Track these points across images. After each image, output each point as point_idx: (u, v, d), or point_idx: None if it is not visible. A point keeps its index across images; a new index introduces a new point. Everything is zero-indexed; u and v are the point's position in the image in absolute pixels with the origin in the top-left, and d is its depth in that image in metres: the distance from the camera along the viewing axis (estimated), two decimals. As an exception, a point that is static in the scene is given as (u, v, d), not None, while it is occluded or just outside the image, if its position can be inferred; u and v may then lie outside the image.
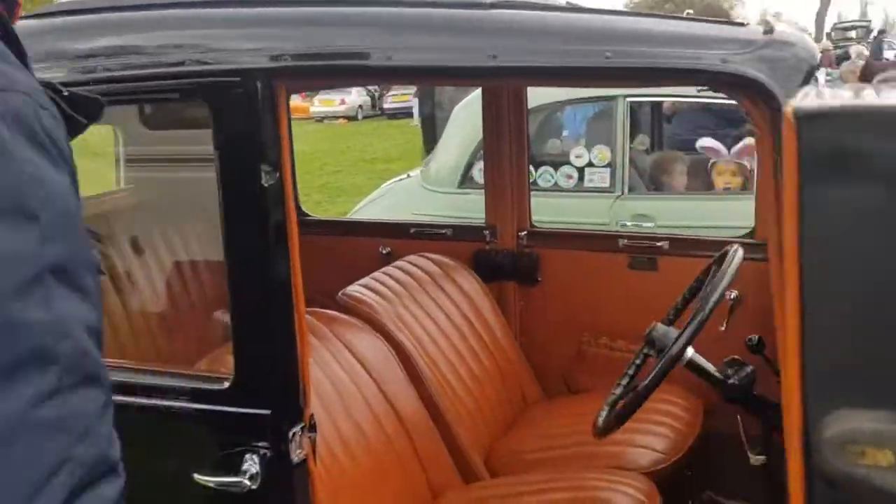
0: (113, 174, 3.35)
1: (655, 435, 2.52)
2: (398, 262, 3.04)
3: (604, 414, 2.15)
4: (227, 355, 2.21)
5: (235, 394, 1.71)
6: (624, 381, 2.22)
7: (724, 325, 2.79)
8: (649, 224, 4.35)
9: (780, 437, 2.08)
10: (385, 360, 2.49)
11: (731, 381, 1.92)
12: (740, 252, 1.96)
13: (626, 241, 3.00)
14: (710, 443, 2.63)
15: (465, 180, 4.91)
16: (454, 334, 2.90)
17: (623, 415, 1.91)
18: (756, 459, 2.11)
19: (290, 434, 1.70)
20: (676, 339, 1.82)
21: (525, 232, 3.16)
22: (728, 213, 4.00)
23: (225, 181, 1.63)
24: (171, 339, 3.02)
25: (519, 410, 3.01)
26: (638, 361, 2.24)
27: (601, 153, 4.59)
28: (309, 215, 3.63)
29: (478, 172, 4.87)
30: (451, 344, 2.87)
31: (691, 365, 1.94)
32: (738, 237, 2.92)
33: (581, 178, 4.65)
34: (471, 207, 4.66)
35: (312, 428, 1.76)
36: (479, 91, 4.08)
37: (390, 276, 2.93)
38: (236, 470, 1.69)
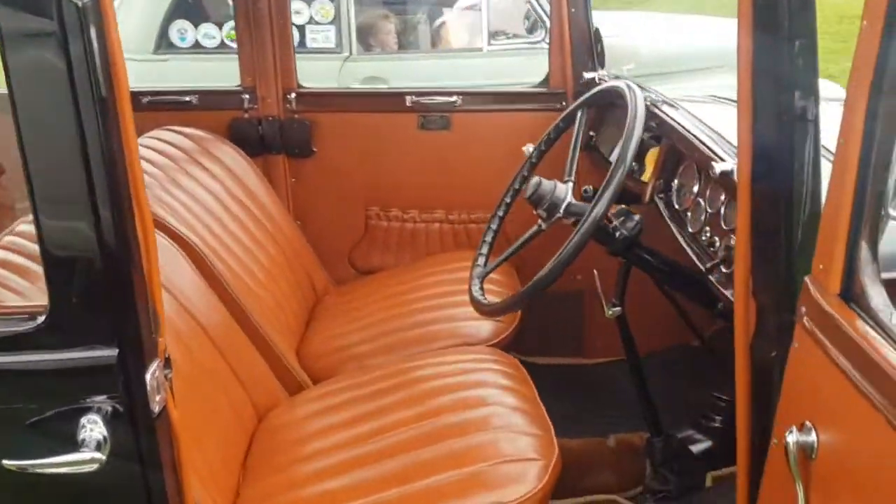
0: None
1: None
2: (140, 139, 2.40)
3: (476, 288, 1.90)
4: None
5: (57, 333, 1.13)
6: (485, 251, 1.98)
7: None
8: (383, 86, 4.07)
9: (663, 288, 2.04)
10: (174, 262, 1.94)
11: (618, 233, 1.76)
12: (639, 91, 1.77)
13: (414, 98, 2.68)
14: (554, 303, 2.51)
15: (162, 44, 4.13)
16: (231, 221, 2.39)
17: (530, 291, 1.66)
18: (613, 312, 2.03)
19: (148, 376, 1.19)
20: (600, 195, 1.59)
21: (293, 94, 2.68)
22: (473, 71, 3.87)
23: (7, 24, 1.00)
24: None
25: (312, 302, 2.63)
26: (494, 226, 2.00)
27: (323, 9, 4.12)
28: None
29: (177, 34, 4.13)
30: (231, 233, 2.36)
31: (572, 213, 1.74)
32: (532, 87, 2.77)
33: (302, 38, 4.16)
34: (172, 77, 3.97)
35: (168, 363, 1.26)
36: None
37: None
38: (72, 441, 1.15)
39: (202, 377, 1.82)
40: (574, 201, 1.74)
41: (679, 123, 1.96)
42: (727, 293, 1.65)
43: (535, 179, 1.76)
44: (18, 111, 1.04)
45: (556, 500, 1.80)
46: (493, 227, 1.99)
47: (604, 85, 1.98)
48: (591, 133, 2.56)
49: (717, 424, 2.29)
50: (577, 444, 2.32)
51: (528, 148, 2.66)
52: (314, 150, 2.73)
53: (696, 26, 5.17)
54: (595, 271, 2.06)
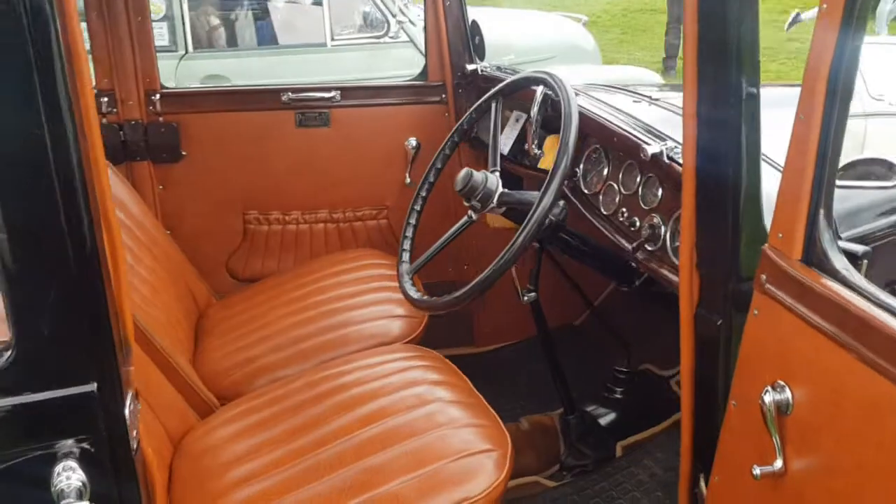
0: None
1: (393, 302, 2.29)
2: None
3: (407, 285, 1.86)
4: None
5: (25, 371, 0.97)
6: (407, 246, 1.94)
7: (408, 175, 2.66)
8: (225, 84, 3.88)
9: (565, 269, 2.06)
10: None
11: (547, 220, 1.79)
12: (564, 79, 1.79)
13: (290, 94, 2.57)
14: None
15: None
16: (105, 236, 2.17)
17: (483, 283, 1.64)
18: (529, 297, 2.08)
19: (126, 411, 1.06)
20: (547, 184, 1.60)
21: (157, 96, 2.48)
22: (317, 67, 3.79)
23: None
24: None
25: (196, 316, 2.46)
26: (413, 221, 1.97)
27: (153, 4, 3.85)
28: None
29: None
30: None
31: (506, 202, 1.76)
32: (409, 80, 2.74)
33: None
34: None
35: (138, 395, 1.13)
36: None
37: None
38: (45, 494, 1.00)
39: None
40: (506, 191, 1.76)
41: (587, 110, 2.02)
42: (655, 269, 1.74)
43: (464, 171, 1.75)
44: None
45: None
46: (412, 221, 1.97)
47: (524, 74, 2.01)
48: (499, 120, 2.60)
49: (618, 396, 2.43)
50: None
51: (412, 141, 2.66)
52: (183, 153, 2.55)
53: (523, 20, 5.39)
54: None
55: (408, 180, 2.64)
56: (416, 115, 2.64)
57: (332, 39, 4.15)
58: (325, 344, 2.16)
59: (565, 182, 2.11)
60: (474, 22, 2.59)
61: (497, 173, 1.80)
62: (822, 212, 1.23)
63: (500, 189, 1.76)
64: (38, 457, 1.00)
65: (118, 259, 1.04)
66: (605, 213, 1.96)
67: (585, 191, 2.05)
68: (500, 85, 1.97)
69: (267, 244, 2.69)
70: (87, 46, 2.54)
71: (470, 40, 2.62)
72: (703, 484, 1.57)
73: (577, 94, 2.17)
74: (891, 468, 1.08)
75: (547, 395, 2.40)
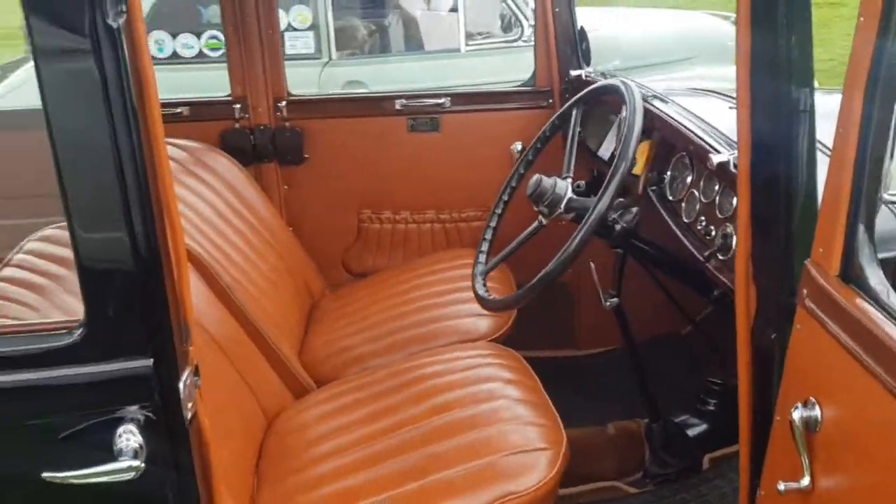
0: None
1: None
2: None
3: (479, 285, 1.95)
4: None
5: (94, 346, 1.16)
6: (485, 248, 2.03)
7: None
8: (362, 90, 4.10)
9: (660, 278, 2.08)
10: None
11: (617, 226, 1.82)
12: (635, 88, 1.82)
13: (403, 101, 2.72)
14: (546, 296, 2.56)
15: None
16: (229, 230, 2.42)
17: (536, 287, 1.71)
18: (612, 303, 2.10)
19: (181, 384, 1.22)
20: (604, 190, 1.64)
21: (284, 103, 2.71)
22: (452, 72, 3.92)
23: (41, 31, 1.03)
24: None
25: (309, 306, 2.66)
26: (493, 224, 2.06)
27: (301, 15, 4.15)
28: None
29: (154, 45, 4.13)
30: (229, 240, 2.39)
31: (573, 208, 1.80)
32: (518, 86, 2.82)
33: (281, 45, 4.17)
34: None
35: (197, 371, 1.29)
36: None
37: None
38: (109, 451, 1.18)
39: (213, 386, 1.84)
40: (575, 196, 1.80)
41: (670, 117, 2.02)
42: (725, 279, 1.72)
43: (535, 177, 1.81)
44: (52, 125, 1.06)
45: (559, 489, 1.85)
46: (493, 224, 2.05)
47: (600, 83, 2.04)
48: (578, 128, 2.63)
49: (711, 408, 2.38)
50: (578, 434, 2.37)
51: (517, 146, 2.73)
52: (306, 156, 2.76)
53: (661, 20, 5.27)
54: (591, 264, 2.12)
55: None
56: (523, 120, 2.71)
57: (467, 45, 4.28)
58: (414, 337, 2.28)
59: (651, 188, 2.12)
60: (582, 28, 2.63)
61: (569, 179, 1.84)
62: (861, 227, 1.19)
63: (569, 195, 1.80)
64: (104, 420, 1.18)
65: (180, 255, 1.20)
66: (685, 220, 1.94)
67: (670, 197, 2.04)
68: (581, 93, 2.01)
69: (379, 241, 2.86)
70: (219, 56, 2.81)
71: (578, 46, 2.65)
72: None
73: (664, 101, 2.17)
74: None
75: (639, 402, 2.40)
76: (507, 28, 4.44)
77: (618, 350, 2.82)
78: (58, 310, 1.64)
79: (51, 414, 1.20)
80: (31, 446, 1.20)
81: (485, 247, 2.02)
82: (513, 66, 4.13)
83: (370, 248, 2.87)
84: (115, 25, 1.03)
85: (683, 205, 1.97)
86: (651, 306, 2.32)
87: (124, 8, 1.05)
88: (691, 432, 2.31)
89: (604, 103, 2.32)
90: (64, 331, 1.16)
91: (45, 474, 1.17)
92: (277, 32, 2.70)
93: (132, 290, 1.16)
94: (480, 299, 1.92)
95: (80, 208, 1.11)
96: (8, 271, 1.67)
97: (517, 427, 1.78)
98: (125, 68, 1.05)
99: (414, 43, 4.43)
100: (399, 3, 4.61)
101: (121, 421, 1.19)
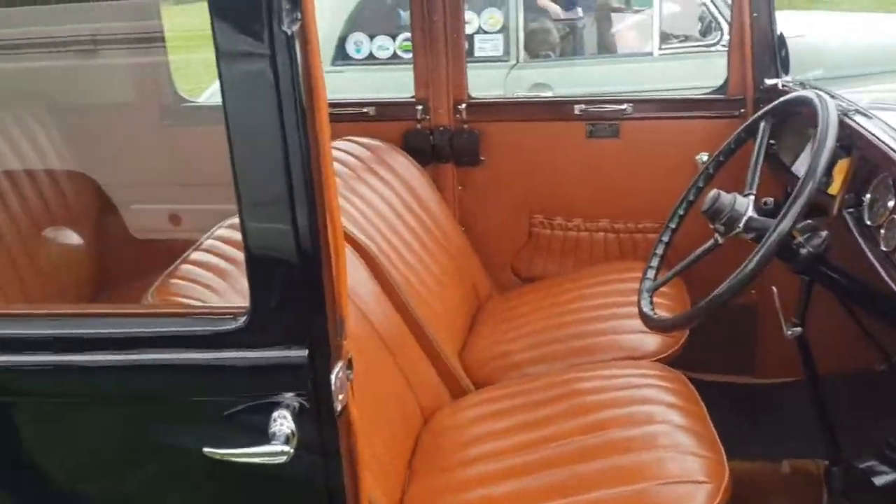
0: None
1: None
2: (321, 149, 2.53)
3: (645, 302, 1.87)
4: (180, 283, 1.69)
5: (255, 333, 1.23)
6: (655, 264, 1.94)
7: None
8: (548, 93, 4.07)
9: (853, 308, 1.91)
10: (352, 267, 2.04)
11: (803, 250, 1.68)
12: (830, 101, 1.68)
13: (582, 106, 2.67)
14: (725, 318, 2.43)
15: (339, 56, 4.35)
16: (403, 228, 2.49)
17: (705, 309, 1.61)
18: (794, 332, 1.93)
19: (333, 376, 1.26)
20: (786, 210, 1.52)
21: (464, 105, 2.74)
22: (642, 77, 3.79)
23: (223, 36, 1.10)
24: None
25: (475, 308, 2.68)
26: (666, 239, 1.96)
27: (493, 18, 4.19)
28: (189, 100, 2.98)
29: (353, 46, 4.33)
30: (403, 239, 2.45)
31: (753, 228, 1.67)
32: (708, 93, 2.68)
33: (471, 48, 4.24)
34: (348, 87, 4.16)
35: (350, 364, 1.33)
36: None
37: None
38: (263, 434, 1.24)
39: (374, 378, 1.91)
40: (755, 216, 1.68)
41: (873, 134, 1.83)
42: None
43: (713, 192, 1.71)
44: (230, 121, 1.13)
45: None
46: (665, 239, 1.95)
47: (791, 94, 1.89)
48: (771, 140, 2.45)
49: (905, 457, 2.13)
50: (748, 468, 2.22)
51: (702, 157, 2.59)
52: (482, 158, 2.78)
53: (872, 25, 4.80)
54: (774, 289, 1.97)
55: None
56: (709, 129, 2.57)
57: (660, 49, 4.13)
58: (576, 349, 2.23)
59: (848, 209, 1.93)
60: (781, 34, 2.44)
61: (751, 197, 1.71)
62: None
63: (750, 213, 1.68)
64: (261, 404, 1.25)
65: (339, 252, 1.24)
66: (884, 249, 1.75)
67: (868, 222, 1.85)
68: (769, 105, 1.86)
69: (549, 247, 2.83)
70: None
71: (777, 53, 2.47)
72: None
73: (868, 117, 1.97)
74: None
75: (819, 441, 2.20)
76: (705, 31, 4.24)
77: (800, 382, 2.61)
78: (238, 294, 1.76)
79: (214, 393, 1.28)
80: (196, 422, 1.29)
81: (654, 262, 1.93)
82: (709, 72, 3.93)
83: (540, 254, 2.84)
84: (289, 32, 1.08)
85: (883, 231, 1.78)
86: (839, 339, 2.12)
87: (299, 16, 1.10)
88: (878, 481, 2.08)
89: (801, 115, 2.14)
90: (231, 316, 1.24)
91: (206, 449, 1.25)
92: (462, 36, 2.73)
93: (292, 283, 1.21)
94: (645, 317, 1.84)
95: (249, 200, 1.17)
96: (198, 255, 1.81)
97: (676, 455, 1.69)
98: (297, 71, 1.10)
99: (606, 46, 4.33)
100: (593, 4, 4.54)
101: (276, 406, 1.25)
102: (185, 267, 1.70)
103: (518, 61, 4.17)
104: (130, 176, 2.97)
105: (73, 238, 2.98)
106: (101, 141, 2.97)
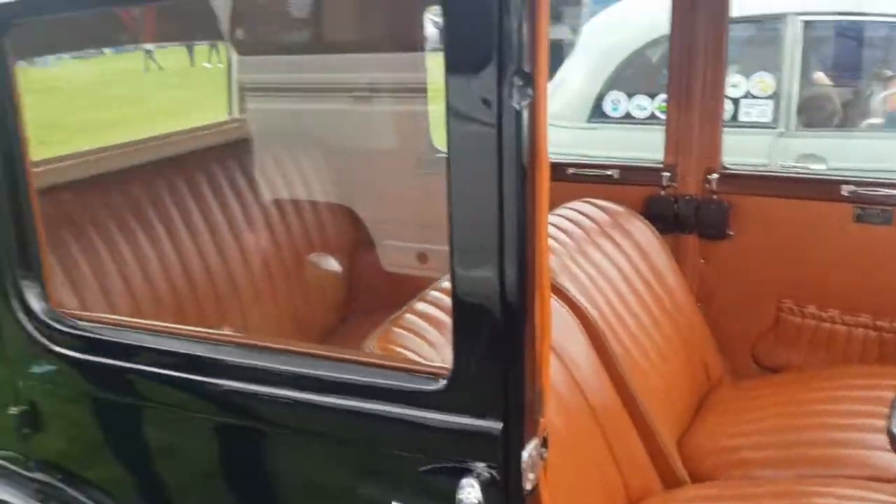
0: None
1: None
2: (558, 210, 2.53)
3: (898, 422, 1.63)
4: (401, 332, 1.76)
5: (454, 397, 1.24)
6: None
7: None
8: (819, 166, 3.74)
9: None
10: (569, 330, 2.00)
11: None
12: None
13: (852, 187, 2.42)
14: None
15: (595, 114, 4.34)
16: (630, 296, 2.39)
17: None
18: None
19: (525, 453, 1.23)
20: None
21: (716, 175, 2.60)
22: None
23: (455, 104, 1.13)
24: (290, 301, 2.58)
25: (704, 391, 2.50)
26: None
27: (763, 82, 3.96)
28: (442, 152, 3.13)
29: (610, 105, 4.31)
30: (629, 308, 2.36)
31: None
32: None
33: (735, 111, 4.04)
34: (600, 145, 4.13)
35: (546, 443, 1.29)
36: (614, 7, 3.48)
37: (553, 224, 2.42)
38: (450, 498, 1.24)
39: (578, 448, 1.84)
40: None
41: None
42: None
43: None
44: (452, 173, 1.16)
45: None
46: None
47: None
48: None
49: None
50: None
51: None
52: (729, 232, 2.61)
53: None
54: None
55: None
56: None
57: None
58: (812, 458, 2.00)
59: None
60: None
61: None
62: None
63: None
64: (451, 467, 1.25)
65: (546, 327, 1.22)
66: None
67: None
68: None
69: (797, 337, 2.57)
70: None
71: None
72: None
73: None
74: None
75: None
76: None
77: None
78: (446, 350, 1.79)
79: (411, 449, 1.30)
80: (389, 474, 1.33)
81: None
82: None
83: (786, 343, 2.60)
84: (518, 108, 1.09)
85: None
86: None
87: (531, 93, 1.10)
88: None
89: None
90: (434, 376, 1.26)
91: (394, 503, 1.27)
92: (720, 102, 2.60)
93: (494, 355, 1.20)
94: (893, 438, 1.59)
95: (461, 248, 1.18)
96: (421, 305, 1.87)
97: None
98: (521, 141, 1.10)
99: (886, 115, 3.91)
100: (882, 73, 4.13)
101: (467, 473, 1.25)
102: (408, 317, 1.76)
103: (787, 129, 3.89)
104: (387, 214, 3.18)
105: (333, 265, 3.25)
106: (365, 181, 3.21)
